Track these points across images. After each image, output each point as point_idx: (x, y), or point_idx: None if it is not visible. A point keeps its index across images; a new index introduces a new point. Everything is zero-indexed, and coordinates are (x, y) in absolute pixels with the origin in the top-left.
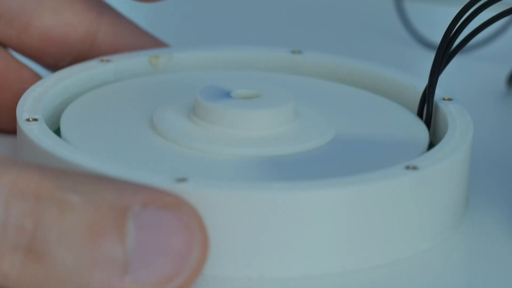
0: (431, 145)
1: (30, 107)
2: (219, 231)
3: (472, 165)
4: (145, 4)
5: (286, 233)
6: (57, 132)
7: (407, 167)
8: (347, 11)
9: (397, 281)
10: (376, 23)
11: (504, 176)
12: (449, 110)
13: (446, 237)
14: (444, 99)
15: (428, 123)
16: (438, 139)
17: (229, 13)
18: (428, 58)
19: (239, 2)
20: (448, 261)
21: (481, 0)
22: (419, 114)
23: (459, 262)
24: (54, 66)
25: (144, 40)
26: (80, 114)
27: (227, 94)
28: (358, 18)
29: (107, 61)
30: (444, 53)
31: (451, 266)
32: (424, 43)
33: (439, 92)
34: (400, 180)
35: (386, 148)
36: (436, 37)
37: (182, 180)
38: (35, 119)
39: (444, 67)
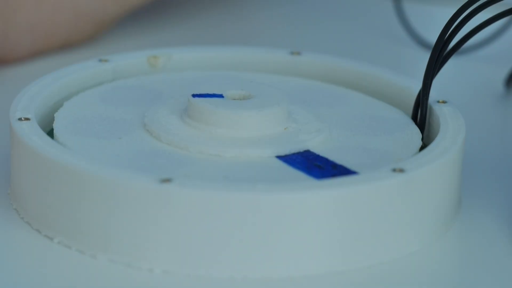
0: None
1: (24, 106)
2: (203, 231)
3: (468, 166)
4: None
5: (270, 234)
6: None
7: (394, 170)
8: (346, 12)
9: (384, 283)
10: (375, 24)
11: (499, 178)
12: (443, 113)
13: (436, 238)
14: (438, 101)
15: (422, 125)
16: (432, 141)
17: (228, 13)
18: (426, 59)
19: (239, 2)
20: (438, 262)
21: (477, 1)
22: (414, 117)
23: (449, 263)
24: None
25: None
26: (74, 114)
27: (219, 95)
28: (358, 19)
29: (106, 61)
30: (439, 55)
31: (440, 267)
32: (423, 44)
33: (434, 95)
34: (386, 182)
35: (378, 150)
36: (435, 38)
37: (166, 180)
38: (27, 119)
39: (439, 69)
